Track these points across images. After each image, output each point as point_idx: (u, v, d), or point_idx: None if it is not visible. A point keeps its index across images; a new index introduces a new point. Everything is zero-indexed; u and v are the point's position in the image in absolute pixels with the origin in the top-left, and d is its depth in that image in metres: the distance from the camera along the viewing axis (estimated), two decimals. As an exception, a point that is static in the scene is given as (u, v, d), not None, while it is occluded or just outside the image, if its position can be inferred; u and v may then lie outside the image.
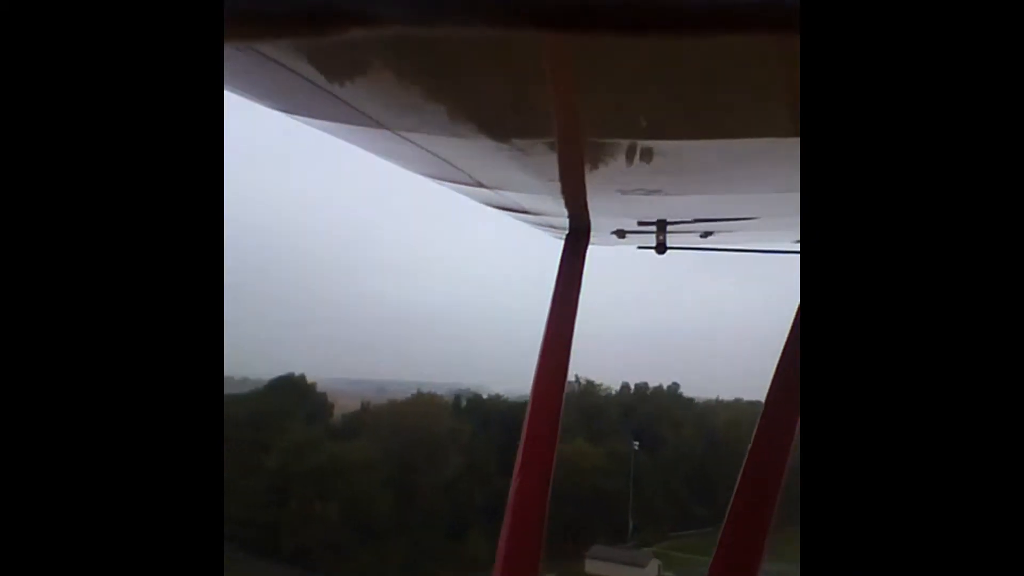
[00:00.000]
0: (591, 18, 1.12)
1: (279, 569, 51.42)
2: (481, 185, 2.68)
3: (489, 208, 3.38)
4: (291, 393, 64.72)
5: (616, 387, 77.64)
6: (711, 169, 2.23)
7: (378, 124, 1.84)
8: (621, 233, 3.51)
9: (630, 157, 2.05)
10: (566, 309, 3.36)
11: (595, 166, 2.18)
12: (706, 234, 3.53)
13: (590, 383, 73.58)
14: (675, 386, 79.57)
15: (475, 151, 2.16)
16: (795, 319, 3.08)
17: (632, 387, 78.47)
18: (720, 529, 2.98)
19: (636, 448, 63.67)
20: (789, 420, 2.93)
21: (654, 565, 53.95)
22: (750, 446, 3.01)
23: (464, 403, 71.45)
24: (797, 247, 3.52)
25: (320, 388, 69.66)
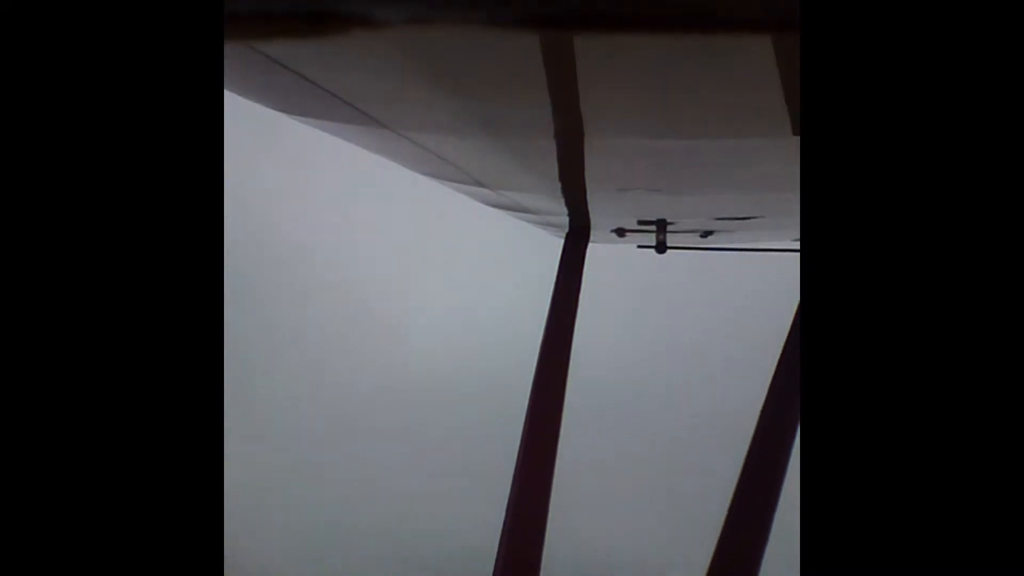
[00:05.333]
0: (591, 18, 1.12)
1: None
2: (481, 184, 2.68)
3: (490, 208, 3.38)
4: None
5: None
6: (711, 168, 2.23)
7: (378, 124, 1.84)
8: (621, 232, 3.51)
9: (630, 156, 2.05)
10: (566, 307, 3.35)
11: (595, 165, 2.18)
12: (706, 233, 3.53)
13: None
14: None
15: (475, 151, 2.16)
16: (795, 319, 3.07)
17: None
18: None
19: None
20: (789, 420, 2.93)
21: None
22: (750, 446, 3.01)
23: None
24: (797, 246, 3.51)
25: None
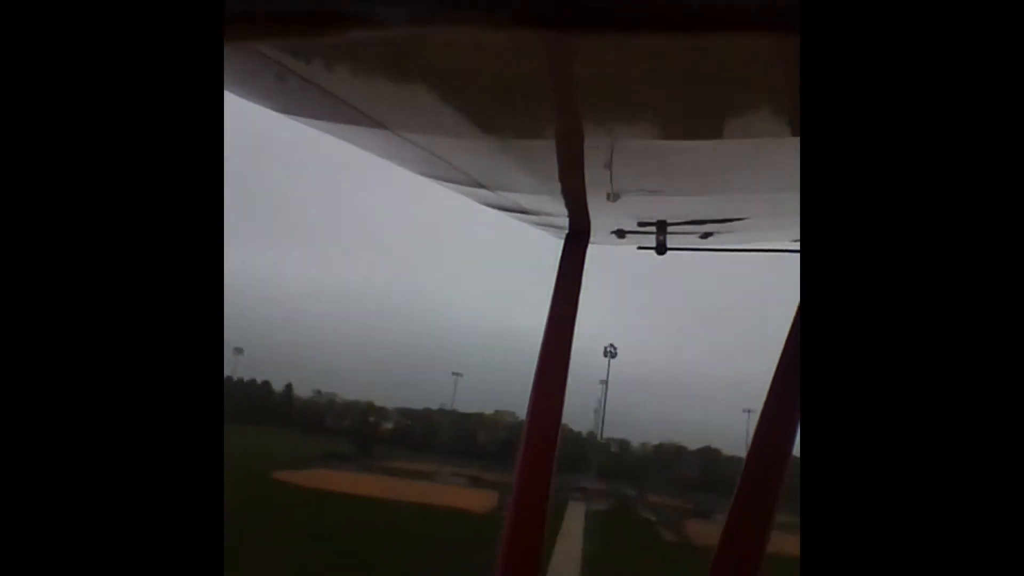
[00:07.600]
0: (591, 18, 1.12)
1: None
2: (481, 185, 2.68)
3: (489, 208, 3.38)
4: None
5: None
6: (711, 169, 2.23)
7: (378, 124, 1.84)
8: (621, 233, 3.51)
9: (630, 157, 2.05)
10: (566, 309, 3.35)
11: (595, 166, 2.18)
12: (706, 235, 3.52)
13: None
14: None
15: (475, 151, 2.16)
16: (795, 319, 3.07)
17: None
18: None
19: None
20: (789, 419, 2.93)
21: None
22: (750, 445, 3.01)
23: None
24: (797, 247, 3.51)
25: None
